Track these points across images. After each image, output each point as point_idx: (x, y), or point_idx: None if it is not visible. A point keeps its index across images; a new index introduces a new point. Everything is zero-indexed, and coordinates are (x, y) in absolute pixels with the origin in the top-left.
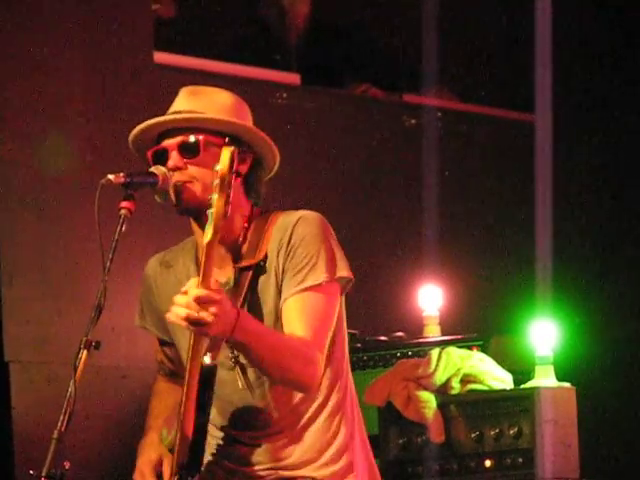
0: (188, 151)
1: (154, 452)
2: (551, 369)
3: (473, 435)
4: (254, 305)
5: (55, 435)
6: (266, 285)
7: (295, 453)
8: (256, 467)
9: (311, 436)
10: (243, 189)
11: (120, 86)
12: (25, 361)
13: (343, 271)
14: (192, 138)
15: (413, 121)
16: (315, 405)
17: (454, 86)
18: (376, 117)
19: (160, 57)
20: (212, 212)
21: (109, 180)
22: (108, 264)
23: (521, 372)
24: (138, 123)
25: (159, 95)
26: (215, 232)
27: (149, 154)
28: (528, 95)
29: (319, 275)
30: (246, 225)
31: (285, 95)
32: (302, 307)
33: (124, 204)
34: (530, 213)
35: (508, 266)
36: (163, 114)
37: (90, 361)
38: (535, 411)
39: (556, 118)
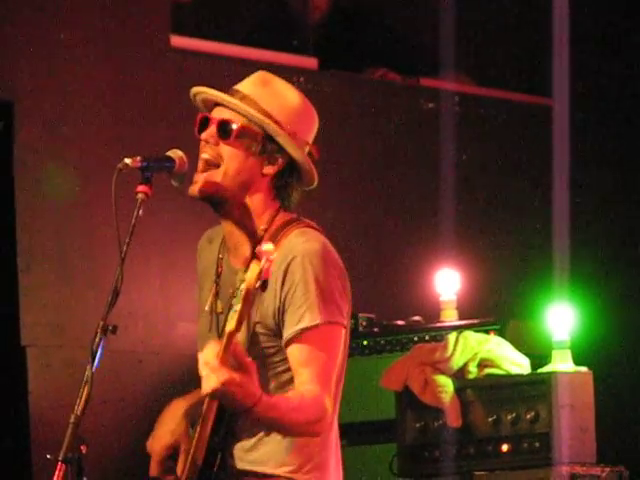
0: (223, 131)
1: (171, 436)
2: (568, 353)
3: (490, 419)
4: (251, 321)
5: (72, 419)
6: (266, 302)
7: (273, 457)
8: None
9: (290, 442)
10: (270, 188)
11: (137, 70)
12: (42, 345)
13: (337, 317)
14: (232, 122)
15: (430, 105)
16: None
17: (471, 70)
18: (393, 101)
19: (177, 41)
20: (235, 311)
21: (126, 164)
22: (125, 249)
23: (538, 356)
24: (155, 107)
25: (176, 78)
26: (237, 327)
27: (198, 118)
28: (545, 79)
29: (316, 316)
30: (264, 227)
31: (302, 79)
32: (306, 354)
33: (141, 188)
34: (547, 197)
35: (525, 250)
36: (180, 97)
37: (107, 346)
38: (552, 395)
39: (573, 101)
